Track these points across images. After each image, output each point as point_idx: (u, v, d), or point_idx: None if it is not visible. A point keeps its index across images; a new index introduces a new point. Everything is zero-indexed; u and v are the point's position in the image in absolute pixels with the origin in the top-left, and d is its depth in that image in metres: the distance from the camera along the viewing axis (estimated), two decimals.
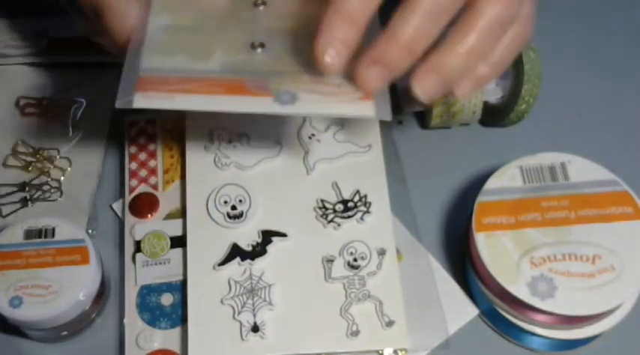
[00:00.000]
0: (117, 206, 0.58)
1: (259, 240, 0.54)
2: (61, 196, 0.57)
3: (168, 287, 0.53)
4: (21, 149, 0.59)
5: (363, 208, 0.55)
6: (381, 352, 0.52)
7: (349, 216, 0.55)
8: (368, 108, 0.43)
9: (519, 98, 0.57)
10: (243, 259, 0.53)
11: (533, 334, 0.52)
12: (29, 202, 0.57)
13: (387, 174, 0.57)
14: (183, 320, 0.52)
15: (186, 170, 0.56)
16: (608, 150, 0.58)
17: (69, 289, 0.49)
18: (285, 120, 0.58)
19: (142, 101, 0.41)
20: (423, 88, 0.43)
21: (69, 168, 0.59)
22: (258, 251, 0.53)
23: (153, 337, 0.52)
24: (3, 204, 0.57)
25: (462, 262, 0.56)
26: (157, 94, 0.41)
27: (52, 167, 0.58)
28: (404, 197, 0.58)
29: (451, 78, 0.44)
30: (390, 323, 0.52)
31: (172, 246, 0.54)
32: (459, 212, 0.58)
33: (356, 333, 0.51)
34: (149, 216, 0.56)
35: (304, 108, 0.42)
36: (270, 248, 0.54)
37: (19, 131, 0.60)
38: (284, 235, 0.54)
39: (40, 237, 0.51)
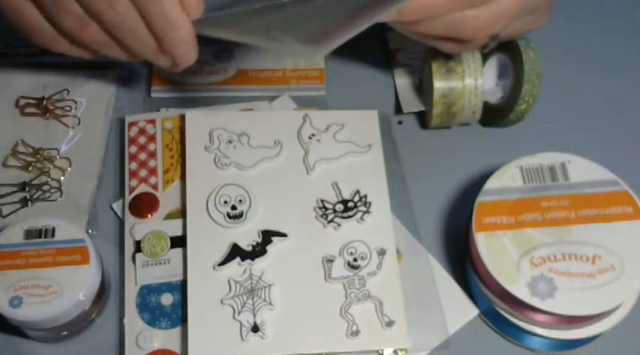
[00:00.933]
0: (117, 206, 0.58)
1: (259, 240, 0.54)
2: (61, 196, 0.57)
3: (168, 287, 0.53)
4: (21, 149, 0.59)
5: (363, 208, 0.55)
6: (381, 352, 0.52)
7: (349, 216, 0.55)
8: None
9: (519, 98, 0.57)
10: (243, 259, 0.53)
11: (533, 334, 0.52)
12: (29, 202, 0.57)
13: (387, 174, 0.57)
14: (183, 320, 0.52)
15: (186, 170, 0.56)
16: (608, 150, 0.58)
17: (69, 289, 0.49)
18: (285, 120, 0.58)
19: (327, 48, 0.45)
20: None
21: (69, 168, 0.59)
22: (258, 251, 0.53)
23: (153, 337, 0.52)
24: (3, 204, 0.57)
25: (462, 262, 0.56)
26: (335, 36, 0.45)
27: (52, 167, 0.58)
28: (404, 197, 0.58)
29: None
30: (390, 323, 0.52)
31: (172, 246, 0.54)
32: (459, 212, 0.58)
33: (356, 333, 0.51)
34: (149, 216, 0.56)
35: None
36: (270, 248, 0.54)
37: (19, 131, 0.60)
38: (284, 235, 0.54)
39: (40, 237, 0.51)
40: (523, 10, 0.51)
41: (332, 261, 0.53)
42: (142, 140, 0.58)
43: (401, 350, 0.52)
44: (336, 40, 0.45)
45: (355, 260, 0.53)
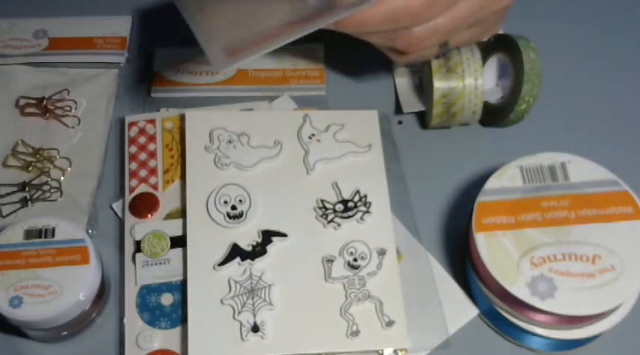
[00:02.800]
0: (117, 206, 0.58)
1: (259, 240, 0.54)
2: (61, 196, 0.57)
3: (168, 287, 0.53)
4: (21, 149, 0.59)
5: (363, 208, 0.55)
6: (381, 352, 0.52)
7: (349, 216, 0.55)
8: None
9: (519, 98, 0.57)
10: (243, 259, 0.53)
11: (533, 334, 0.52)
12: (29, 202, 0.57)
13: (387, 174, 0.57)
14: (183, 320, 0.52)
15: (186, 170, 0.56)
16: (608, 150, 0.58)
17: (69, 289, 0.49)
18: (285, 120, 0.58)
19: (232, 62, 0.49)
20: None
21: (69, 168, 0.59)
22: (258, 251, 0.53)
23: (153, 337, 0.52)
24: (3, 204, 0.57)
25: (462, 262, 0.56)
26: (243, 54, 0.49)
27: (52, 167, 0.58)
28: (404, 197, 0.58)
29: None
30: (390, 323, 0.52)
31: (172, 246, 0.54)
32: (459, 212, 0.58)
33: (356, 333, 0.51)
34: (149, 216, 0.56)
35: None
36: (270, 248, 0.54)
37: (19, 131, 0.60)
38: (284, 235, 0.54)
39: (40, 237, 0.51)
40: (460, 25, 0.52)
41: (332, 261, 0.53)
42: (142, 140, 0.58)
43: (401, 350, 0.52)
44: (248, 55, 0.48)
45: (355, 260, 0.53)
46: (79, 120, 0.61)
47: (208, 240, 0.54)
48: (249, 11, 0.50)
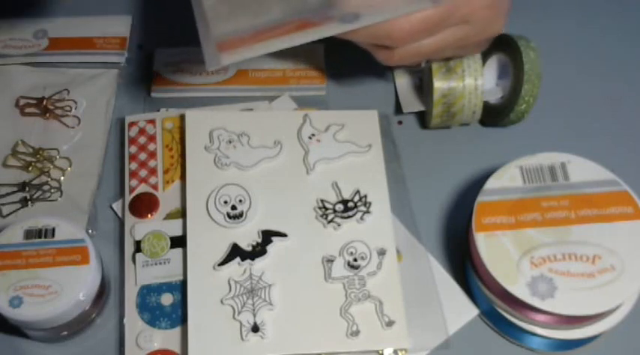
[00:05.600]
0: (117, 206, 0.58)
1: (259, 240, 0.54)
2: (61, 196, 0.57)
3: (168, 287, 0.53)
4: (21, 149, 0.59)
5: (363, 208, 0.55)
6: (381, 352, 0.52)
7: (349, 216, 0.55)
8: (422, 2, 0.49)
9: (519, 98, 0.57)
10: (243, 259, 0.53)
11: (533, 334, 0.52)
12: (29, 202, 0.57)
13: (387, 174, 0.57)
14: (183, 320, 0.52)
15: (187, 170, 0.56)
16: (608, 150, 0.58)
17: (69, 289, 0.49)
18: (285, 120, 0.58)
19: (227, 59, 0.48)
20: None
21: (69, 168, 0.59)
22: (258, 251, 0.53)
23: (153, 337, 0.52)
24: (3, 204, 0.57)
25: (462, 262, 0.56)
26: (238, 50, 0.48)
27: (52, 167, 0.58)
28: (404, 197, 0.58)
29: None
30: (390, 323, 0.52)
31: (172, 246, 0.54)
32: (459, 212, 0.58)
33: (356, 333, 0.51)
34: (149, 216, 0.56)
35: (369, 19, 0.49)
36: (270, 248, 0.54)
37: (19, 131, 0.60)
38: (284, 235, 0.54)
39: (40, 237, 0.51)
40: (443, 50, 0.53)
41: (332, 260, 0.53)
42: (142, 140, 0.58)
43: (401, 350, 0.52)
44: (242, 55, 0.47)
45: (355, 260, 0.53)
46: (79, 120, 0.61)
47: (208, 240, 0.54)
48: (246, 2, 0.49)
